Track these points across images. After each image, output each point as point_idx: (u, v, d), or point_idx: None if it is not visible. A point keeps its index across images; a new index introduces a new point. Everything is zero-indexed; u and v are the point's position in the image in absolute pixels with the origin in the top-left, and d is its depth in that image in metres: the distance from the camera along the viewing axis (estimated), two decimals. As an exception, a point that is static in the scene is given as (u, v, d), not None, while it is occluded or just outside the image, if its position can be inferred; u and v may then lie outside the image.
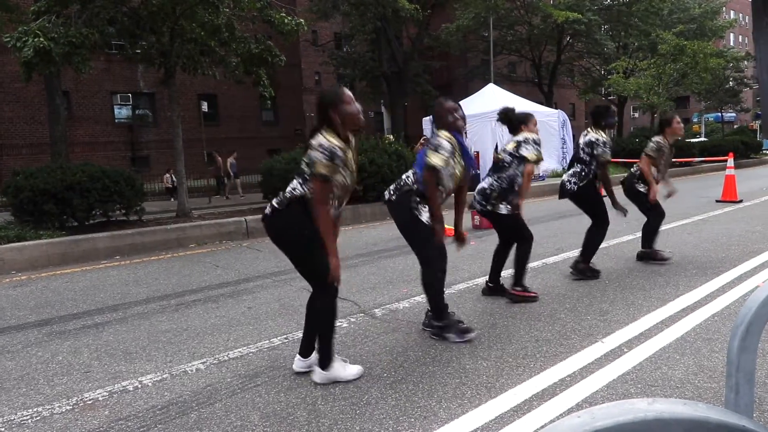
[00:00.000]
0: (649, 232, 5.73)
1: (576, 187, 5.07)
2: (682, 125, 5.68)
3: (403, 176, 3.70)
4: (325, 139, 2.81)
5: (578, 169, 5.09)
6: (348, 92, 2.94)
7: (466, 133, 3.80)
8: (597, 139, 4.97)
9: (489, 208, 4.44)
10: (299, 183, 2.92)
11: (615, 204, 5.13)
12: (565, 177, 5.22)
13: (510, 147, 4.44)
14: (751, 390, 1.23)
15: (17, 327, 4.36)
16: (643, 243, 5.79)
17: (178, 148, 10.06)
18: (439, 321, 3.65)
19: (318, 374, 3.06)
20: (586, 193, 5.10)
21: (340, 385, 3.03)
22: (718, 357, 3.19)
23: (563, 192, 5.21)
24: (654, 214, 5.70)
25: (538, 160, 4.38)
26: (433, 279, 3.62)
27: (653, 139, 5.68)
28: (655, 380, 2.94)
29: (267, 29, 10.73)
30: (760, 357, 3.10)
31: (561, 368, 3.13)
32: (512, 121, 4.54)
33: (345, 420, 2.64)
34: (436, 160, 3.46)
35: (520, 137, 4.43)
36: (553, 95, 31.74)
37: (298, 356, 3.23)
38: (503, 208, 4.38)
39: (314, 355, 3.17)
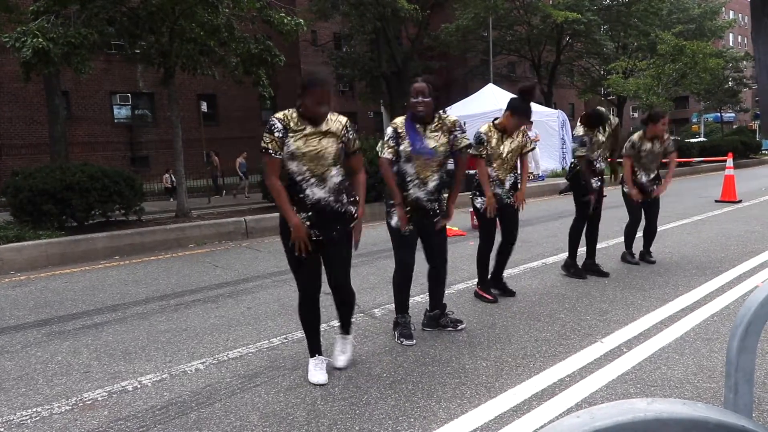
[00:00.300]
0: (627, 234, 5.79)
1: (565, 179, 5.30)
2: (666, 127, 5.57)
3: None
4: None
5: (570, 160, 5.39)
6: (326, 89, 2.88)
7: (444, 118, 3.67)
8: (574, 136, 5.18)
9: (470, 197, 4.57)
10: None
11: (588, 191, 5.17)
12: None
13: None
14: (750, 390, 1.23)
15: (16, 327, 4.35)
16: (644, 244, 5.82)
17: (177, 148, 10.05)
18: (396, 315, 3.78)
19: None
20: (572, 186, 5.31)
21: (339, 385, 3.03)
22: (717, 357, 3.20)
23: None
24: (631, 217, 5.74)
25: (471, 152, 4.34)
26: (399, 279, 3.72)
27: (630, 137, 5.74)
28: (655, 380, 2.94)
29: (266, 29, 10.72)
30: (759, 357, 3.10)
31: (560, 368, 3.13)
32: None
33: (344, 420, 2.64)
34: (377, 147, 3.65)
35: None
36: (552, 95, 31.72)
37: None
38: (479, 202, 4.44)
39: (337, 338, 3.36)
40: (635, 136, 5.65)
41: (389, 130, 3.58)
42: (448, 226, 3.91)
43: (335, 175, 3.01)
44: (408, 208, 3.59)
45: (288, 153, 2.89)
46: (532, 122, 17.89)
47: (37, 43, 7.67)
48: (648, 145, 5.54)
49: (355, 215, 3.15)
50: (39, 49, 7.72)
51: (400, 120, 3.61)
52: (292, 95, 3.07)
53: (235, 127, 26.40)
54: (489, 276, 4.67)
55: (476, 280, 4.71)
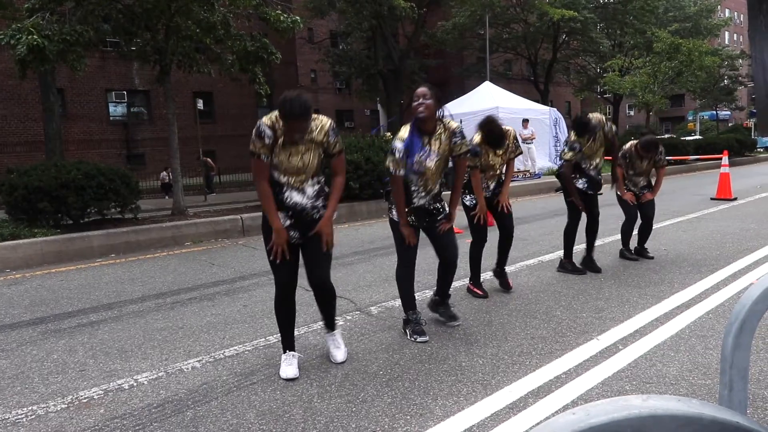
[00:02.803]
0: (624, 232, 5.86)
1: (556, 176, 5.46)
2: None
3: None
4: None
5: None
6: (303, 121, 2.89)
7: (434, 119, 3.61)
8: (565, 140, 5.35)
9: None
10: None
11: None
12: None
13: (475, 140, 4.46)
14: (744, 386, 1.23)
15: (12, 325, 4.34)
16: (639, 240, 5.88)
17: (173, 146, 10.02)
18: (406, 312, 3.79)
19: None
20: (561, 188, 5.43)
21: (336, 383, 3.03)
22: (712, 354, 3.21)
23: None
24: (627, 216, 5.80)
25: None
26: (401, 273, 3.76)
27: (624, 148, 5.77)
28: (650, 377, 2.95)
29: (262, 26, 10.69)
30: (753, 354, 3.12)
31: (556, 365, 3.14)
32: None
33: (341, 418, 2.64)
34: (387, 162, 3.54)
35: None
36: (548, 93, 31.74)
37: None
38: (468, 199, 4.51)
39: (327, 337, 3.41)
40: (629, 147, 5.69)
41: (398, 145, 3.45)
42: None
43: (313, 184, 3.10)
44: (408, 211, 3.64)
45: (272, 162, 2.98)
46: (528, 120, 17.71)
47: (33, 41, 7.63)
48: (638, 162, 5.64)
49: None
50: (34, 47, 7.68)
51: (404, 131, 3.52)
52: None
53: (232, 125, 26.34)
54: (495, 269, 4.80)
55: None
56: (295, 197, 3.05)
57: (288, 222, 3.05)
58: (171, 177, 16.41)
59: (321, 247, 3.15)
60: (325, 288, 3.27)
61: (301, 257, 3.19)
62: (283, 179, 3.02)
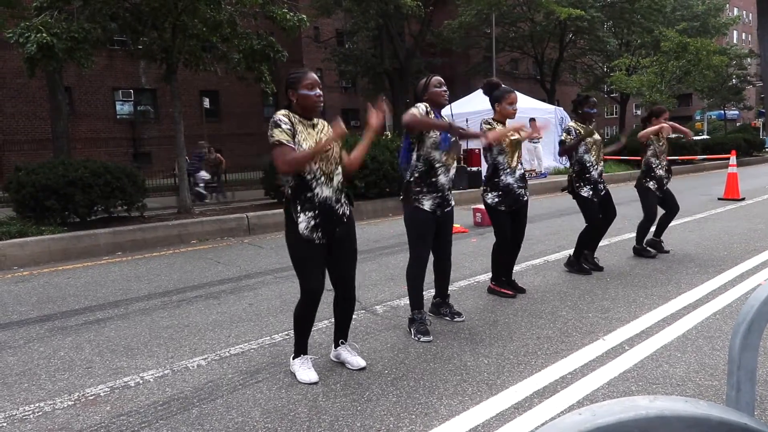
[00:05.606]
0: (641, 231, 5.88)
1: (562, 190, 5.43)
2: (667, 125, 5.72)
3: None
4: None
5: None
6: (311, 76, 2.96)
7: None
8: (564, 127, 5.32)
9: (481, 193, 4.56)
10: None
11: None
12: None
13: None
14: (752, 388, 1.22)
15: (19, 323, 4.37)
16: (637, 239, 5.90)
17: (179, 145, 10.05)
18: (412, 312, 3.79)
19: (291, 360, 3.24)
20: (575, 197, 5.29)
21: (341, 382, 3.03)
22: (720, 355, 3.19)
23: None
24: (647, 213, 5.80)
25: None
26: (415, 273, 3.77)
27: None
28: (657, 378, 2.94)
29: (269, 25, 10.70)
30: (761, 355, 3.10)
31: (562, 366, 3.13)
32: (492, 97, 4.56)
33: (346, 416, 2.64)
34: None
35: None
36: (555, 92, 31.62)
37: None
38: (490, 197, 4.42)
39: (341, 348, 3.30)
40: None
41: (422, 108, 3.59)
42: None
43: (338, 174, 3.06)
44: (437, 201, 3.70)
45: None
46: (534, 119, 17.72)
47: (42, 38, 7.66)
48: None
49: (349, 214, 3.17)
50: (43, 45, 7.72)
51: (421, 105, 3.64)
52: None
53: (238, 123, 26.41)
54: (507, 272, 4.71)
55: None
56: (325, 192, 2.96)
57: (313, 222, 2.95)
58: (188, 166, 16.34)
59: (350, 244, 3.15)
60: (351, 293, 3.21)
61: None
62: (315, 168, 2.93)
